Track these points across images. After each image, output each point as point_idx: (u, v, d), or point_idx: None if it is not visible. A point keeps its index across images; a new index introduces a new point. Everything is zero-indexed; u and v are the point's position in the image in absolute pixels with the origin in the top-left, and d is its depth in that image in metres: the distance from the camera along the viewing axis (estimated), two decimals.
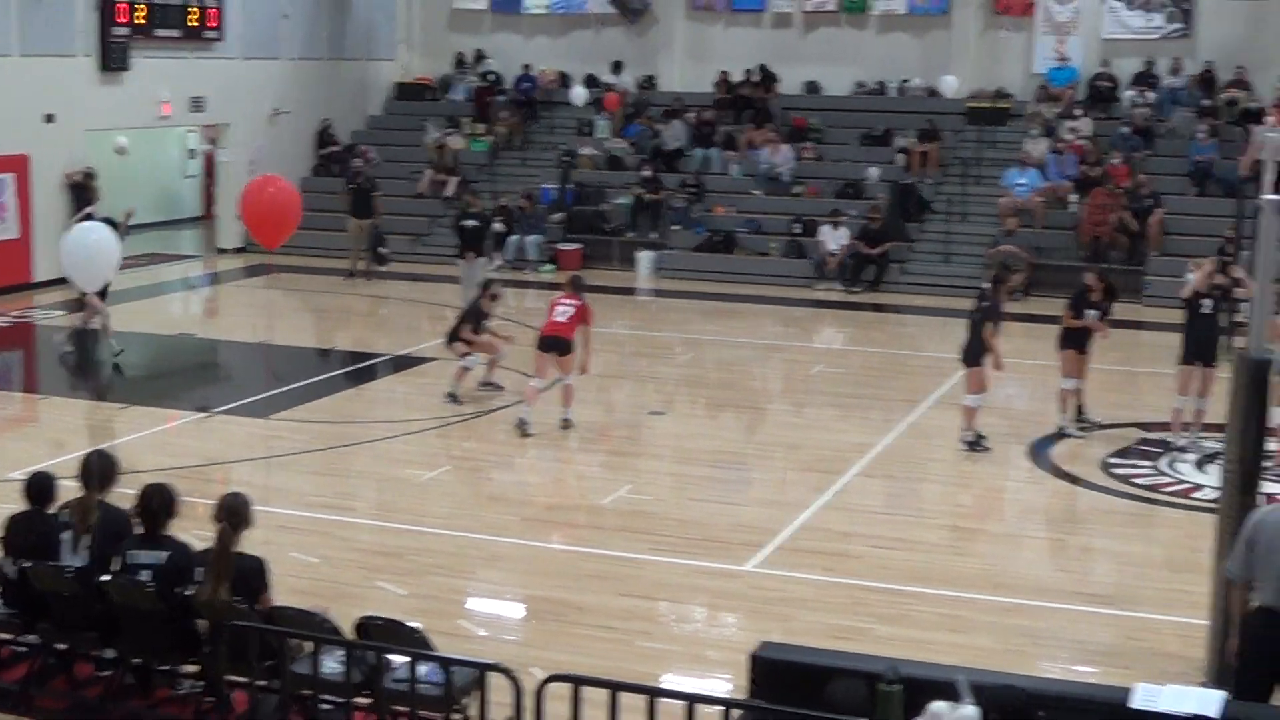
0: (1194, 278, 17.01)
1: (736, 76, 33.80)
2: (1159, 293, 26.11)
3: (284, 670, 8.52)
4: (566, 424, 17.30)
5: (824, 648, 9.80)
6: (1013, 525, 15.06)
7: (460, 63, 36.50)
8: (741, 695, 8.72)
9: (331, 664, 8.58)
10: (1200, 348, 16.89)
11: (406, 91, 36.35)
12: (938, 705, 7.11)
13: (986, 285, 17.36)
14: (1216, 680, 9.49)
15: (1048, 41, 32.38)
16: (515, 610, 12.31)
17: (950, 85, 31.36)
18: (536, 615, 11.98)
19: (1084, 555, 14.04)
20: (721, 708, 7.88)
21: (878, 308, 27.54)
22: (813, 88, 34.14)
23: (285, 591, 9.78)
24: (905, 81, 33.57)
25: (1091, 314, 17.54)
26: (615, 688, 7.81)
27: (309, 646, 8.63)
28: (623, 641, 11.24)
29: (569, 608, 11.92)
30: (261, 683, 8.71)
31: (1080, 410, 17.85)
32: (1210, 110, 30.61)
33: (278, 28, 32.82)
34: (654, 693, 7.87)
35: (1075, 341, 17.63)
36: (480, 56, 36.20)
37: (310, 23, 33.80)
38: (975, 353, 16.74)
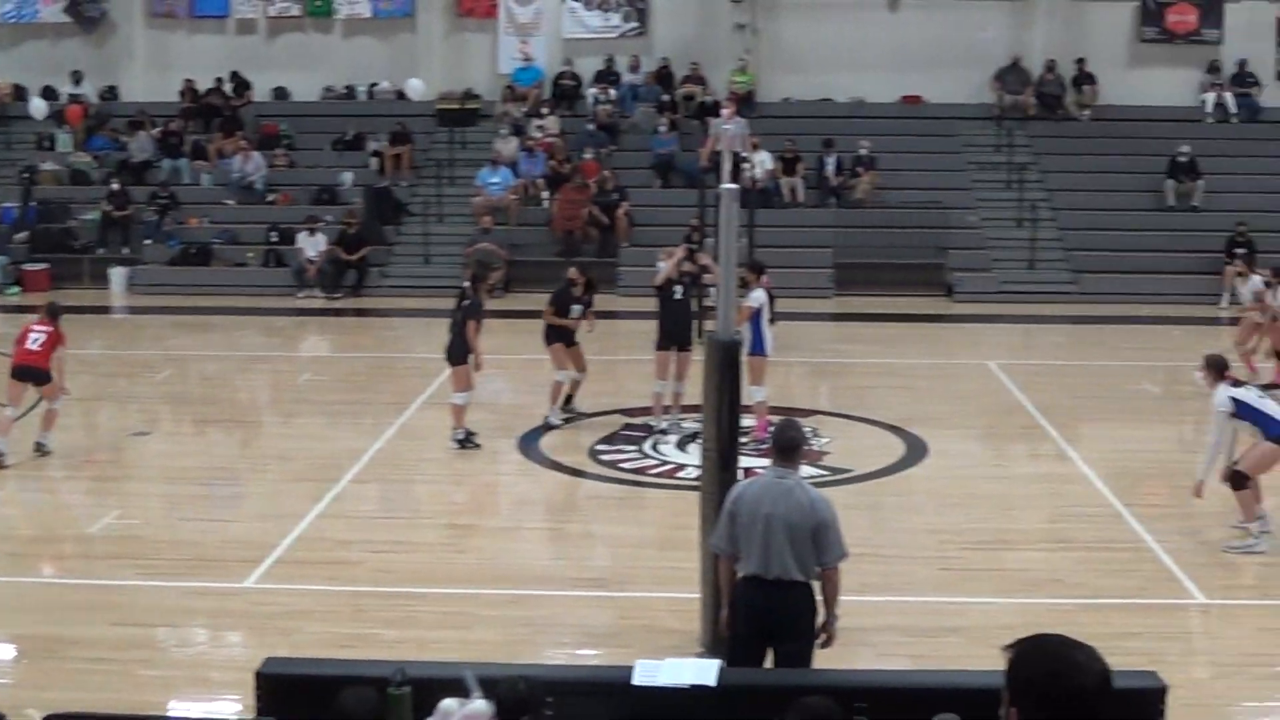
0: (665, 266, 17.68)
1: (205, 84, 33.04)
2: (631, 282, 27.01)
3: None
4: (42, 449, 16.54)
5: (331, 658, 9.72)
6: (508, 518, 15.29)
7: None
8: (250, 715, 8.55)
9: None
10: (674, 333, 17.60)
11: None
12: (447, 703, 7.15)
13: (466, 284, 17.54)
14: (712, 650, 9.92)
15: (511, 42, 33.04)
16: (3, 651, 11.70)
17: (417, 89, 31.59)
18: (27, 654, 11.40)
19: (578, 541, 14.40)
20: None
21: (360, 312, 27.50)
22: (281, 94, 33.79)
23: None
24: (374, 85, 33.60)
25: (576, 309, 18.06)
26: None
27: None
28: (122, 672, 10.83)
29: (61, 643, 11.39)
30: None
31: (569, 400, 18.30)
32: (669, 105, 31.90)
33: None
34: None
35: (561, 335, 18.06)
36: None
37: None
38: (459, 351, 16.89)
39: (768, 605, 8.91)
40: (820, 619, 9.05)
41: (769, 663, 9.02)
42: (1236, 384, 13.78)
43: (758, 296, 17.01)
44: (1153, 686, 7.83)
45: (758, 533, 8.84)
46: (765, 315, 17.10)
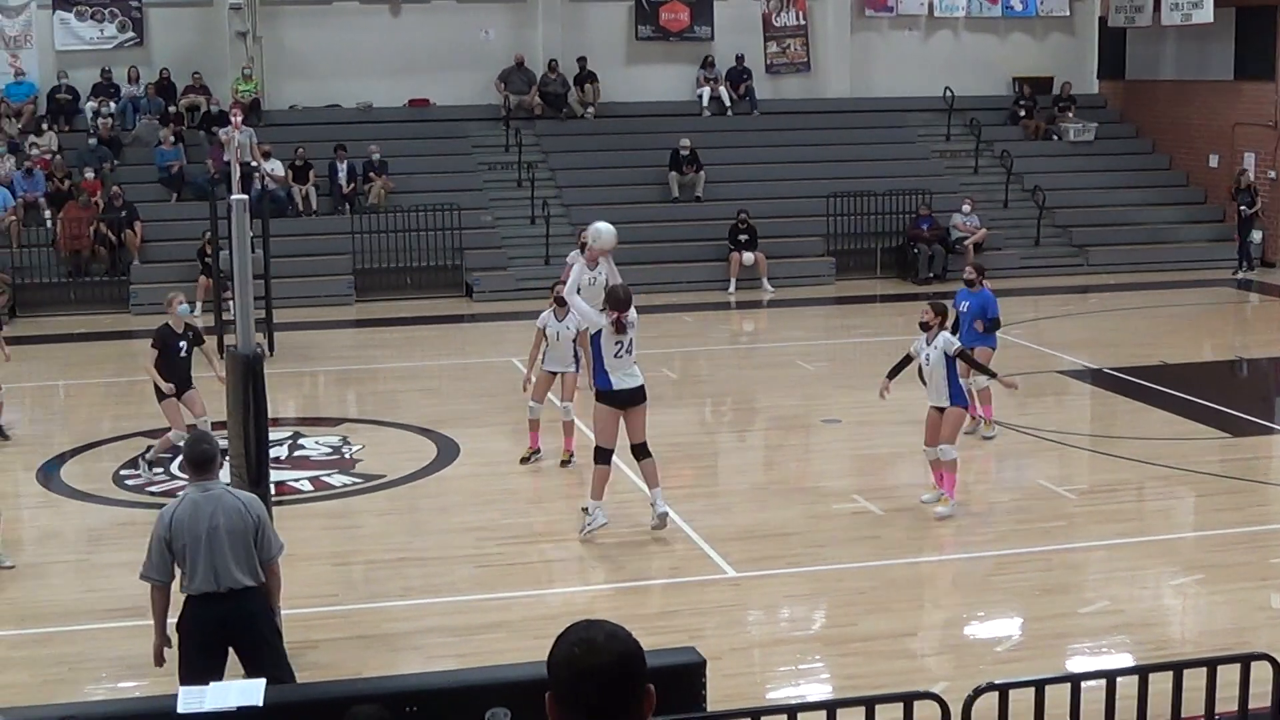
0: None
1: None
2: (145, 299, 26.24)
3: None
4: None
5: None
6: (34, 554, 14.65)
7: None
8: None
9: None
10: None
11: None
12: None
13: None
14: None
15: (2, 56, 31.54)
16: None
17: None
18: None
19: (110, 571, 13.91)
20: None
21: None
22: None
23: None
24: None
25: None
26: None
27: None
28: None
29: None
30: None
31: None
32: (173, 116, 31.12)
33: None
34: None
35: None
36: None
37: None
38: None
39: (225, 618, 8.95)
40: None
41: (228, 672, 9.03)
42: None
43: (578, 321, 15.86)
44: (693, 661, 8.18)
45: (203, 550, 8.85)
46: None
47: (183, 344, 16.11)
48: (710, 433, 19.58)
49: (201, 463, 9.04)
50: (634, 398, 13.62)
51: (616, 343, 13.44)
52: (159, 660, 9.28)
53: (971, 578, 13.33)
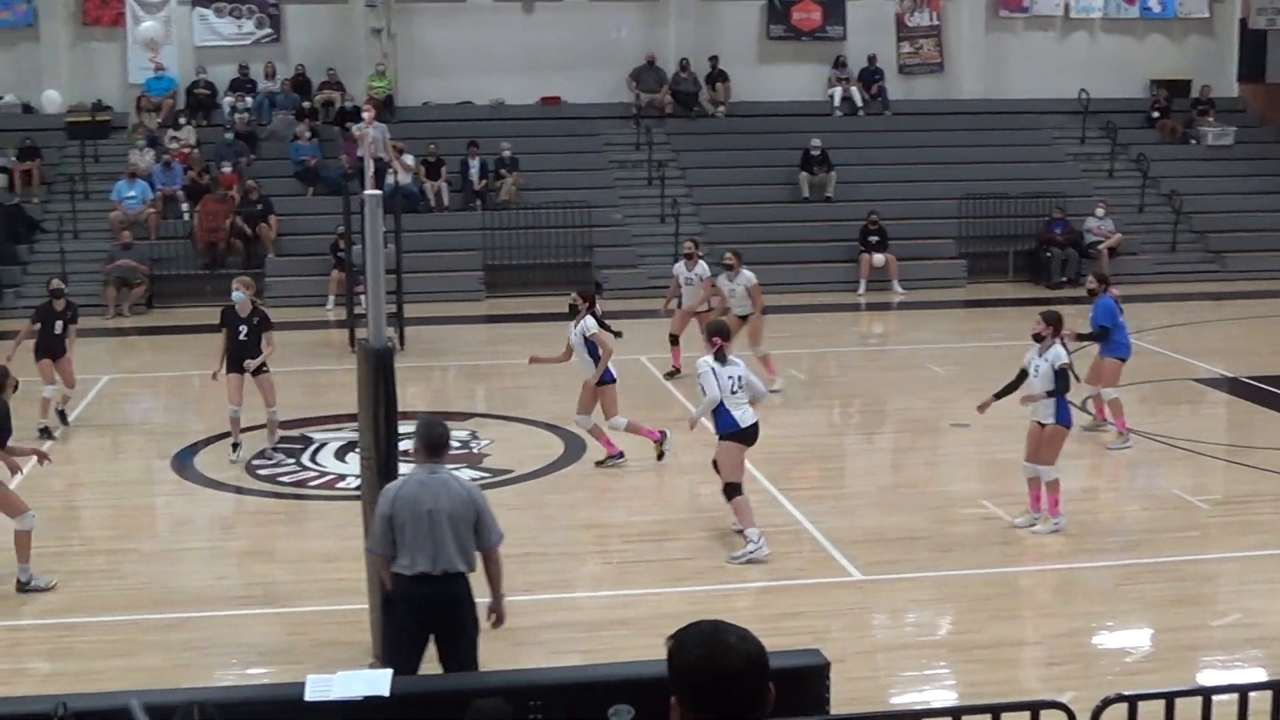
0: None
1: None
2: (280, 293, 26.61)
3: None
4: None
5: None
6: (166, 540, 14.91)
7: None
8: None
9: None
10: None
11: None
12: None
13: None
14: (385, 660, 9.90)
15: (141, 51, 32.10)
16: None
17: (53, 100, 30.50)
18: None
19: (241, 559, 14.13)
20: None
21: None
22: None
23: None
24: (0, 99, 32.29)
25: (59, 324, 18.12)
26: None
27: None
28: None
29: None
30: None
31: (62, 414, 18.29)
32: (308, 112, 31.51)
33: None
34: None
35: (49, 349, 18.04)
36: None
37: None
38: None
39: (436, 601, 9.03)
40: (489, 602, 9.40)
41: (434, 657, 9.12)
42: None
43: (591, 324, 16.13)
44: (816, 664, 8.12)
45: (423, 529, 8.93)
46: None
47: (243, 327, 16.70)
48: (838, 434, 19.48)
49: (435, 446, 9.19)
50: (755, 435, 13.55)
51: (729, 378, 13.32)
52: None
53: (1100, 586, 13.13)
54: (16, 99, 32.06)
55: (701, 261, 21.10)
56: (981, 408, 14.70)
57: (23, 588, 12.50)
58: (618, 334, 16.62)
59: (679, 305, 21.11)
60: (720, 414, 13.35)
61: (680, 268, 20.96)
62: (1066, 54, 35.16)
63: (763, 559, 13.22)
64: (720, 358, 13.38)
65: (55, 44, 32.08)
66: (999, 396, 14.54)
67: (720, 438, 13.53)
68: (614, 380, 16.35)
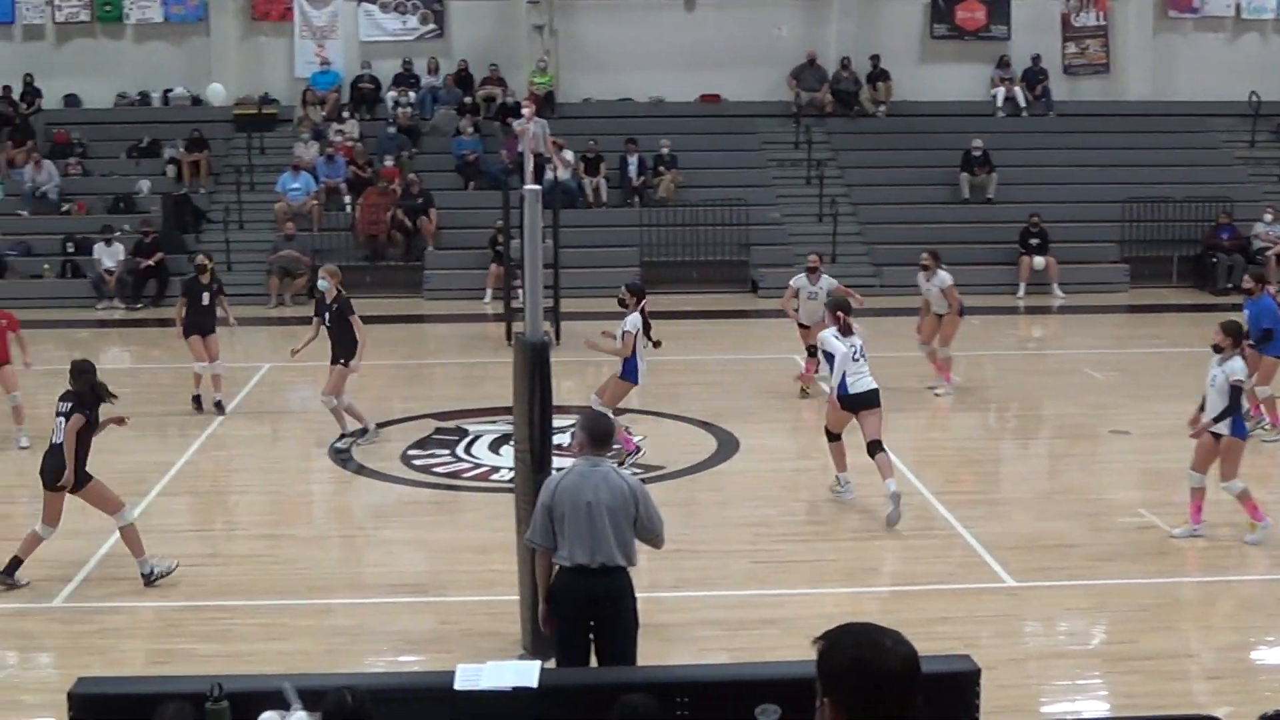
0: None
1: None
2: (438, 285, 26.89)
3: None
4: None
5: (145, 675, 9.56)
6: (321, 527, 15.13)
7: None
8: None
9: None
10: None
11: None
12: (267, 715, 7.09)
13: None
14: (533, 650, 9.94)
15: (308, 46, 32.65)
16: None
17: (218, 94, 31.06)
18: None
19: (394, 548, 14.28)
20: None
21: (163, 322, 26.89)
22: (73, 101, 33.00)
23: None
24: (169, 91, 33.00)
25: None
26: None
27: None
28: None
29: None
30: None
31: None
32: (470, 107, 31.82)
33: None
34: None
35: (199, 326, 18.99)
36: None
37: None
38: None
39: (594, 593, 8.99)
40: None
41: (592, 654, 9.09)
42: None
43: (634, 321, 16.14)
44: (966, 670, 8.01)
45: (582, 521, 8.92)
46: (640, 341, 16.20)
47: (326, 314, 17.61)
48: (994, 438, 19.24)
49: (601, 439, 9.22)
50: (867, 401, 14.46)
51: (850, 345, 14.42)
52: (543, 625, 9.33)
53: (1263, 600, 12.81)
54: (186, 91, 32.74)
55: (941, 271, 20.50)
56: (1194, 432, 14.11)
57: (148, 581, 12.67)
58: (658, 343, 16.65)
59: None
60: (838, 378, 14.46)
61: (801, 280, 20.32)
62: (1237, 55, 34.39)
63: (847, 500, 14.86)
64: (844, 330, 14.51)
65: (225, 38, 32.74)
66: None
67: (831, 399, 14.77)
68: (636, 382, 16.32)
